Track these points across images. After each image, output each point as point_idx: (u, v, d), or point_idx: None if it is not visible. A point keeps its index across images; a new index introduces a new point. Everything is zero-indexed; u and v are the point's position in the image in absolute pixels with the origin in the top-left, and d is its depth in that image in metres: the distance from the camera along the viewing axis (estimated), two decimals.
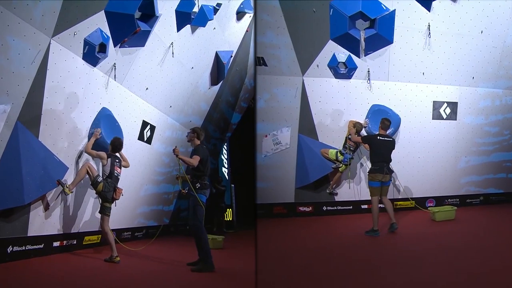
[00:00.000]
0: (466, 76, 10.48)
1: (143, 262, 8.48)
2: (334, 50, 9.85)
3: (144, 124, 9.85)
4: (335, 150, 10.17)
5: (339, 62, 9.98)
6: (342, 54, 9.88)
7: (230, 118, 12.87)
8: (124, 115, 9.13)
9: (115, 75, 8.70)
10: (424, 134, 10.46)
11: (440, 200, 10.67)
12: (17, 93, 7.11)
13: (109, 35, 8.25)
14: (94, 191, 8.28)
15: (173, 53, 9.66)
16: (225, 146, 13.47)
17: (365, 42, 8.41)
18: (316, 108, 10.33)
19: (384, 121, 8.94)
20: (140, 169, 10.05)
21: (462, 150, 10.74)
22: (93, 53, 8.06)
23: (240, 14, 11.13)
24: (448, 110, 10.56)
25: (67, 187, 7.84)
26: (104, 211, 8.24)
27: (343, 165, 10.11)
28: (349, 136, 9.99)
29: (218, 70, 11.23)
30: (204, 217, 7.55)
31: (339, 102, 10.31)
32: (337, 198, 10.64)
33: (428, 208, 10.07)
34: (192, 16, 9.62)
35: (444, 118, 10.54)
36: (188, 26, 9.75)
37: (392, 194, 10.09)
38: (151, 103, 9.89)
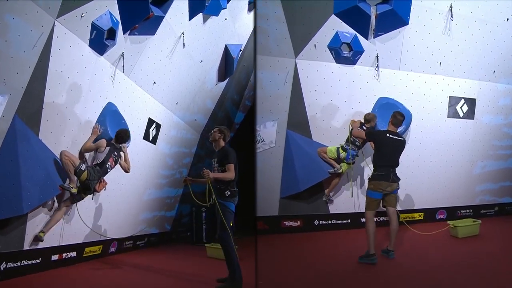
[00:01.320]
0: (487, 70, 8.82)
1: (146, 274, 7.27)
2: (337, 27, 8.00)
3: (150, 122, 8.62)
4: (335, 147, 8.21)
5: (343, 43, 8.04)
6: (347, 34, 8.02)
7: (234, 117, 11.70)
8: (130, 112, 7.88)
9: (123, 66, 7.45)
10: (437, 134, 8.70)
11: (451, 212, 8.92)
12: (15, 82, 5.83)
13: (119, 19, 7.10)
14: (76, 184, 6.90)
15: (184, 43, 8.48)
16: None
17: (376, 20, 7.11)
18: (310, 99, 8.26)
19: (397, 115, 6.92)
20: (144, 172, 8.82)
21: (478, 154, 9.05)
22: (101, 40, 6.81)
23: (251, 5, 10.02)
24: (465, 108, 8.83)
25: (72, 187, 6.60)
26: (75, 198, 6.88)
27: (345, 164, 8.15)
28: (364, 125, 8.05)
29: (226, 65, 10.08)
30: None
31: (339, 92, 8.24)
32: (332, 210, 8.55)
33: (448, 222, 8.01)
34: (206, 4, 8.53)
35: (461, 116, 8.82)
36: (200, 15, 8.61)
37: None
38: (157, 99, 8.66)
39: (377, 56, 8.19)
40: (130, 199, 8.50)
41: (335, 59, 8.20)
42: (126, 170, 7.65)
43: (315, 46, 8.05)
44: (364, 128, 7.97)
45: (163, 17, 7.55)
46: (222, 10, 8.89)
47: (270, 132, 8.31)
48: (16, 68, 5.77)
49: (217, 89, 10.29)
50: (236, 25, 9.75)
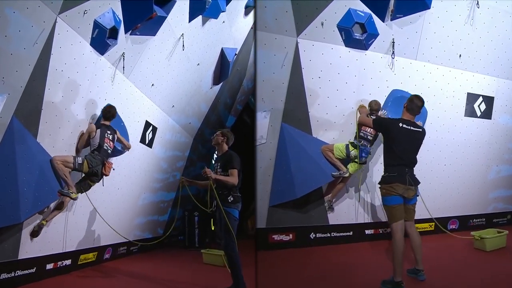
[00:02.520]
0: (507, 66, 7.60)
1: (144, 283, 6.68)
2: (350, 4, 6.59)
3: (147, 125, 8.05)
4: (343, 144, 6.80)
5: (356, 22, 6.58)
6: (361, 13, 6.60)
7: (225, 121, 11.21)
8: (128, 114, 7.28)
9: (123, 67, 6.87)
10: (453, 135, 7.43)
11: (464, 221, 7.78)
12: (14, 80, 5.21)
13: (121, 18, 6.54)
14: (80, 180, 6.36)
15: (183, 45, 7.95)
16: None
17: (396, 0, 6.20)
18: (312, 87, 6.72)
19: (414, 99, 5.29)
20: (140, 176, 8.23)
21: (494, 157, 7.87)
22: (102, 39, 6.22)
23: (248, 9, 9.56)
24: (483, 106, 7.58)
25: (72, 192, 5.93)
26: (82, 187, 6.29)
27: (355, 165, 6.78)
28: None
29: (221, 68, 9.58)
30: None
31: (347, 81, 6.75)
32: (331, 220, 7.12)
33: (471, 233, 6.67)
34: (206, 6, 8.03)
35: (478, 115, 7.57)
36: (199, 17, 8.10)
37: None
38: (154, 101, 8.09)
39: (393, 42, 6.82)
40: (126, 204, 7.90)
41: (345, 41, 6.74)
42: (127, 146, 6.98)
43: (322, 24, 6.57)
44: (372, 118, 6.72)
45: (166, 17, 7.02)
46: (221, 13, 8.45)
47: (260, 125, 6.78)
48: (15, 66, 5.15)
49: (212, 93, 9.79)
50: (232, 28, 9.28)
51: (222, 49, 9.23)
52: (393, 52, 6.80)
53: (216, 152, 5.94)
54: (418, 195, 5.30)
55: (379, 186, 5.32)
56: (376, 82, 6.96)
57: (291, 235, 7.09)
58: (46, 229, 6.05)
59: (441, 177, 7.53)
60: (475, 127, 7.67)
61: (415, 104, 5.27)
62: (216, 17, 8.33)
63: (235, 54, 9.58)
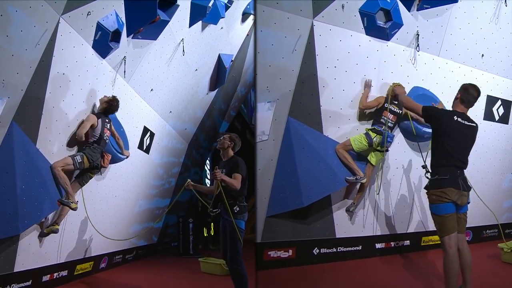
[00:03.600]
0: None
1: None
2: None
3: (145, 130, 7.60)
4: (361, 134, 5.80)
5: (381, 8, 5.69)
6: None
7: (219, 127, 10.80)
8: (127, 120, 6.80)
9: (124, 71, 6.42)
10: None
11: (477, 232, 6.94)
12: (15, 83, 4.72)
13: (124, 21, 6.10)
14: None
15: (183, 51, 7.54)
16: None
17: None
18: (326, 77, 5.73)
19: (470, 89, 4.43)
20: (137, 183, 7.74)
21: (509, 164, 7.05)
22: (105, 41, 5.76)
23: (245, 16, 9.21)
24: (501, 110, 6.80)
25: (72, 202, 5.42)
26: (83, 179, 5.82)
27: (377, 154, 5.83)
28: (386, 104, 5.78)
29: (218, 74, 9.19)
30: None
31: (366, 73, 5.85)
32: (338, 232, 6.13)
33: (499, 245, 5.96)
34: (207, 11, 7.64)
35: (496, 120, 6.76)
36: (199, 22, 7.72)
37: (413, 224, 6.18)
38: (153, 106, 7.63)
39: (418, 35, 6.01)
40: (122, 212, 7.41)
41: (366, 28, 5.79)
42: (124, 153, 6.51)
43: (343, 7, 5.64)
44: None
45: (168, 21, 6.61)
46: (220, 19, 8.08)
47: (263, 118, 5.66)
48: (16, 68, 4.67)
49: (208, 99, 9.38)
50: (230, 35, 8.91)
51: (219, 55, 8.85)
52: (417, 45, 6.04)
53: (221, 156, 5.38)
54: (469, 203, 4.44)
55: (426, 191, 4.39)
56: (397, 77, 6.07)
57: (290, 250, 5.97)
58: (41, 239, 5.55)
59: None
60: (493, 132, 6.87)
61: (471, 95, 4.41)
62: (215, 23, 7.95)
63: (231, 61, 9.22)
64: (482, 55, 6.44)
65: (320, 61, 5.73)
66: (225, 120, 10.81)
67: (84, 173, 5.84)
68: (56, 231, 5.52)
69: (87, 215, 6.14)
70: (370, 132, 5.83)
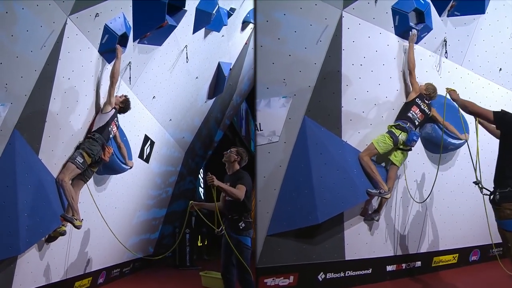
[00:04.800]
0: None
1: None
2: None
3: (146, 139, 7.02)
4: (383, 134, 5.10)
5: (415, 9, 5.19)
6: (421, 0, 5.24)
7: (215, 135, 10.28)
8: (129, 128, 6.21)
9: (129, 78, 5.87)
10: (486, 153, 5.40)
11: (484, 251, 6.37)
12: (19, 88, 4.13)
13: (131, 24, 5.56)
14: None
15: (187, 57, 7.01)
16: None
17: None
18: (351, 75, 5.03)
19: None
20: (136, 193, 7.14)
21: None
22: (112, 45, 5.18)
23: (244, 24, 8.76)
24: None
25: (76, 219, 4.77)
26: (85, 175, 5.10)
27: (399, 154, 5.16)
28: (425, 98, 5.22)
29: (217, 82, 8.69)
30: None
31: (392, 75, 5.23)
32: (348, 253, 5.27)
33: None
34: (211, 18, 7.14)
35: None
36: (202, 29, 7.22)
37: (418, 243, 5.68)
38: (154, 114, 7.06)
39: (445, 41, 5.57)
40: (121, 224, 6.78)
41: (397, 27, 5.20)
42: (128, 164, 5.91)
43: (376, 1, 5.02)
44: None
45: (175, 27, 6.09)
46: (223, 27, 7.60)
47: (275, 116, 4.80)
48: (21, 71, 4.08)
49: (205, 107, 8.85)
50: (229, 43, 8.45)
51: (219, 63, 8.35)
52: (445, 52, 5.59)
53: (226, 169, 4.78)
54: None
55: (496, 207, 3.85)
56: (421, 82, 5.47)
57: (292, 277, 4.97)
58: (41, 257, 4.92)
59: (470, 200, 5.94)
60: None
61: None
62: (218, 30, 7.46)
63: (230, 69, 8.74)
64: (500, 69, 6.07)
65: (345, 56, 4.99)
66: (220, 128, 10.30)
67: (88, 169, 5.15)
68: (63, 233, 4.85)
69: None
70: (394, 129, 5.13)
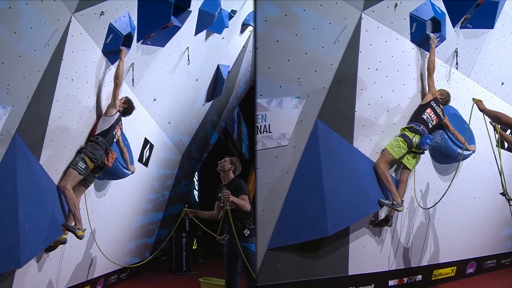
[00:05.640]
0: None
1: None
2: None
3: (145, 142, 6.65)
4: (396, 137, 4.83)
5: (433, 17, 4.93)
6: (439, 9, 5.05)
7: (210, 138, 9.94)
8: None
9: (132, 79, 5.51)
10: (485, 165, 5.76)
11: (479, 264, 6.25)
12: (21, 89, 3.75)
13: (135, 24, 5.20)
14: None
15: (188, 59, 6.67)
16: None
17: (476, 8, 5.08)
18: (366, 79, 4.73)
19: None
20: (135, 198, 6.75)
21: (510, 192, 5.98)
22: (116, 46, 4.83)
23: (243, 27, 8.45)
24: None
25: (78, 229, 4.41)
26: (87, 181, 4.71)
27: (410, 158, 4.87)
28: (440, 102, 5.02)
29: (215, 85, 8.36)
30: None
31: (405, 82, 4.98)
32: (351, 268, 4.91)
33: None
34: (214, 20, 6.81)
35: (505, 147, 5.97)
36: (203, 31, 6.89)
37: (420, 255, 5.48)
38: (154, 117, 6.71)
39: (456, 52, 5.40)
40: (120, 229, 6.40)
41: (413, 34, 4.95)
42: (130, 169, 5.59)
43: (395, 6, 4.74)
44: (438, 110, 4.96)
45: (180, 28, 5.75)
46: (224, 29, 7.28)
47: (286, 117, 4.41)
48: (23, 71, 3.70)
49: (203, 109, 8.50)
50: (229, 45, 8.13)
51: (218, 65, 8.02)
52: (456, 63, 5.42)
53: (221, 179, 4.57)
54: None
55: None
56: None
57: None
58: (39, 267, 4.52)
59: (470, 212, 5.84)
60: (503, 160, 5.81)
61: None
62: (220, 32, 7.13)
63: (228, 72, 8.42)
64: (502, 83, 5.94)
65: (362, 59, 4.67)
66: (215, 131, 9.97)
67: (91, 175, 4.78)
68: (64, 242, 4.49)
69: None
70: (407, 132, 4.84)
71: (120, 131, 5.05)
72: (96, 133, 4.75)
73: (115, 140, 4.97)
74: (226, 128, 11.42)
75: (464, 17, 5.14)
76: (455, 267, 5.91)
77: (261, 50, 4.34)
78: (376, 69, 4.79)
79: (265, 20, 4.33)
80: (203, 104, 8.45)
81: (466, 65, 5.55)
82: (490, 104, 5.68)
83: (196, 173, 10.51)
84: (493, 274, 6.18)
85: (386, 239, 5.21)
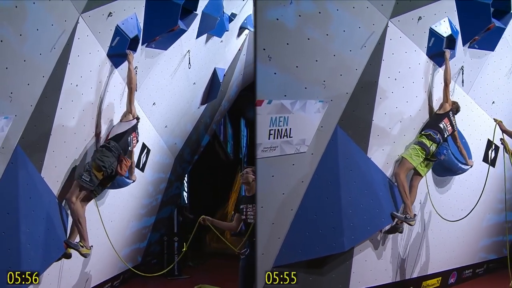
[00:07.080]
0: None
1: None
2: (449, 14, 4.88)
3: (143, 147, 6.18)
4: (413, 145, 4.62)
5: (449, 36, 4.86)
6: (455, 28, 5.01)
7: (202, 140, 9.50)
8: None
9: (136, 84, 5.03)
10: (473, 179, 5.70)
11: (460, 273, 6.10)
12: (24, 97, 3.27)
13: (141, 27, 4.72)
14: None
15: (189, 63, 6.23)
16: None
17: (485, 32, 5.10)
18: (386, 87, 4.51)
19: None
20: (130, 204, 6.25)
21: (489, 205, 6.22)
22: (122, 49, 4.35)
23: (240, 30, 8.04)
24: (493, 154, 6.21)
25: (83, 246, 3.95)
26: (94, 192, 4.15)
27: (423, 166, 4.68)
28: (454, 113, 4.89)
29: (211, 88, 7.93)
30: None
31: (418, 94, 4.84)
32: (353, 283, 4.63)
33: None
34: (216, 23, 6.38)
35: (489, 162, 5.97)
36: (205, 34, 6.46)
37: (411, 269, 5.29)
38: (152, 121, 6.24)
39: (462, 69, 5.39)
40: (116, 236, 5.91)
41: (429, 48, 4.84)
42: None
43: (419, 19, 4.60)
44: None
45: (185, 31, 5.30)
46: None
47: (308, 121, 4.06)
48: (28, 77, 3.22)
49: (198, 113, 8.06)
50: (226, 49, 7.72)
51: (215, 69, 7.60)
52: (463, 80, 5.38)
53: (245, 191, 4.23)
54: None
55: None
56: (436, 106, 5.15)
57: None
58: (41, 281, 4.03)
59: (458, 224, 5.58)
60: (485, 174, 5.98)
61: None
62: (220, 35, 6.69)
63: (224, 75, 8.01)
64: (493, 102, 5.91)
65: (384, 68, 4.44)
66: (207, 133, 9.53)
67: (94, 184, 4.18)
68: (69, 256, 4.01)
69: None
70: (425, 140, 4.63)
71: (136, 140, 4.51)
72: (109, 137, 4.21)
73: (129, 148, 4.43)
74: (214, 130, 11.04)
75: (474, 38, 5.04)
76: (440, 278, 5.72)
77: (292, 47, 3.92)
78: (395, 79, 4.55)
79: (299, 15, 3.91)
80: (198, 107, 8.03)
81: (467, 82, 5.47)
82: (482, 121, 5.88)
83: (186, 175, 10.06)
84: (470, 283, 6.12)
85: (386, 251, 4.94)
